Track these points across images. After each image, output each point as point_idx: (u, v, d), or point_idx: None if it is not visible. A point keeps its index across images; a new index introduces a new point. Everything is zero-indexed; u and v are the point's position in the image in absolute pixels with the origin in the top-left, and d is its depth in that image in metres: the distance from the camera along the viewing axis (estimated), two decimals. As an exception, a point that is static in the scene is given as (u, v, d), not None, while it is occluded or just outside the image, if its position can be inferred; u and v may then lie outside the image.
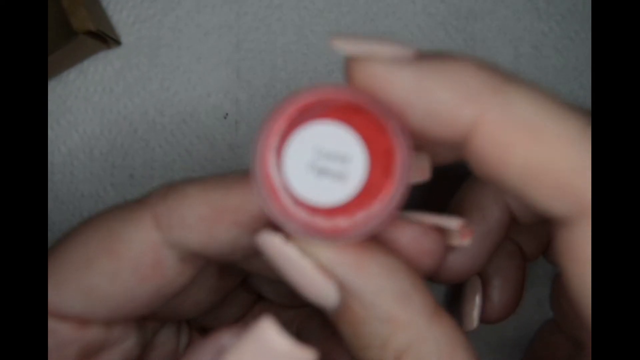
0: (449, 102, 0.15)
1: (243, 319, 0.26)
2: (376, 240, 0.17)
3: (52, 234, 0.31)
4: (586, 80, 0.31)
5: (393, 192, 0.15)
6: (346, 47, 0.15)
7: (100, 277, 0.19)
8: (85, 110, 0.31)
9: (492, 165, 0.15)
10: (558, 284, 0.29)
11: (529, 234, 0.27)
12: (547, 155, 0.14)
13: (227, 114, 0.31)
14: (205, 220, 0.18)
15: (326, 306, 0.17)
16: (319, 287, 0.16)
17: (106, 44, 0.30)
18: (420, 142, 0.19)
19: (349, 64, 0.16)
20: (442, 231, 0.20)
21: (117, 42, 0.31)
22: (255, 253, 0.18)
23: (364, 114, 0.15)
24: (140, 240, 0.19)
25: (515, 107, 0.14)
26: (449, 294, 0.32)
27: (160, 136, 0.31)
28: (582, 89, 0.31)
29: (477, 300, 0.27)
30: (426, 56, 0.15)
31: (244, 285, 0.25)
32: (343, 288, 0.16)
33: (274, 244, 0.16)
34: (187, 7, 0.31)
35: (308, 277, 0.16)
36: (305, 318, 0.27)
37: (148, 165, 0.31)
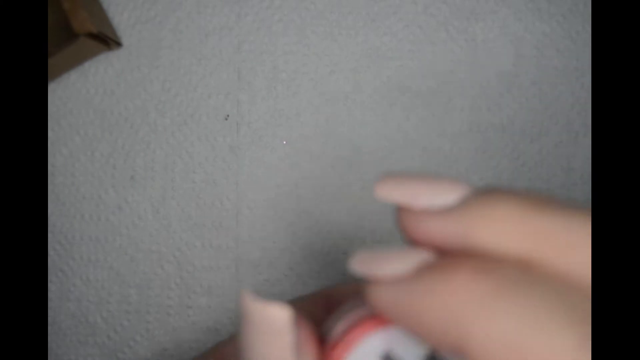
0: (435, 327, 0.15)
1: None
2: None
3: (53, 236, 0.31)
4: (588, 81, 0.30)
5: None
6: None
7: None
8: (87, 112, 0.31)
9: None
10: None
11: None
12: None
13: (228, 115, 0.31)
14: None
15: None
16: None
17: (107, 45, 0.30)
18: None
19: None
20: None
21: (118, 44, 0.31)
22: None
23: None
24: None
25: (499, 324, 0.14)
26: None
27: (161, 138, 0.31)
28: (584, 90, 0.30)
29: None
30: (426, 269, 0.15)
31: None
32: None
33: None
34: (188, 8, 0.31)
35: None
36: None
37: (149, 167, 0.31)
